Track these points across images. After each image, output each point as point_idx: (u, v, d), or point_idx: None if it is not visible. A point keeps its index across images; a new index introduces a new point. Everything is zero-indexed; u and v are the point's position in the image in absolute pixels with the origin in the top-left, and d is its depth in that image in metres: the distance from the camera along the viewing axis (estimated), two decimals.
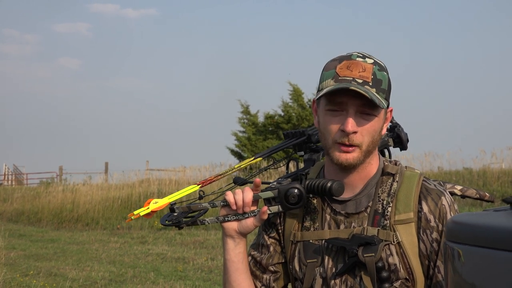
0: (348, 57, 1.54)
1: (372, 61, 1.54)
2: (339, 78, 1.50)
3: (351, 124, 1.49)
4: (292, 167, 2.60)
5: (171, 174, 19.70)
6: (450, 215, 1.54)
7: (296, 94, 24.75)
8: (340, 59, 1.54)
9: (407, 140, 1.91)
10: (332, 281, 1.56)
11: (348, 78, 1.50)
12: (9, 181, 31.67)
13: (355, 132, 1.51)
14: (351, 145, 1.52)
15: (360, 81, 1.50)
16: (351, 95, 1.49)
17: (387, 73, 1.56)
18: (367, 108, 1.51)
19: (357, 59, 1.53)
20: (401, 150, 1.93)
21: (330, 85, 1.51)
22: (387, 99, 1.55)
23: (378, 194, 1.58)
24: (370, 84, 1.50)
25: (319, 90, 1.55)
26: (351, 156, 1.52)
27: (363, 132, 1.52)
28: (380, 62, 1.55)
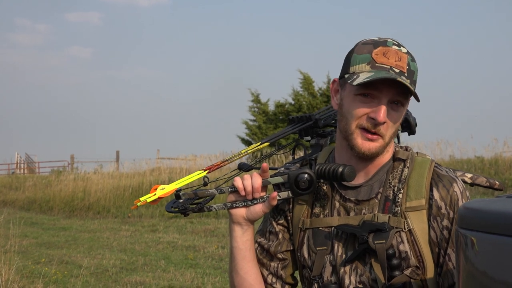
0: (384, 43, 1.48)
1: (406, 50, 1.49)
2: (376, 64, 1.46)
3: (383, 113, 1.45)
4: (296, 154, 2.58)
5: (181, 162, 19.75)
6: (462, 202, 1.51)
7: (307, 82, 24.68)
8: (375, 44, 1.48)
9: (415, 125, 1.88)
10: (342, 269, 1.53)
11: (385, 66, 1.45)
12: (21, 170, 31.90)
13: (384, 122, 1.47)
14: (375, 134, 1.48)
15: (397, 70, 1.45)
16: (387, 84, 1.44)
17: (417, 65, 1.51)
18: (399, 97, 1.47)
19: (393, 46, 1.48)
20: (409, 135, 1.91)
21: (365, 70, 1.46)
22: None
23: (389, 180, 1.55)
24: (406, 74, 1.46)
25: (350, 73, 1.49)
26: (374, 145, 1.49)
27: (390, 123, 1.48)
28: (411, 53, 1.51)
